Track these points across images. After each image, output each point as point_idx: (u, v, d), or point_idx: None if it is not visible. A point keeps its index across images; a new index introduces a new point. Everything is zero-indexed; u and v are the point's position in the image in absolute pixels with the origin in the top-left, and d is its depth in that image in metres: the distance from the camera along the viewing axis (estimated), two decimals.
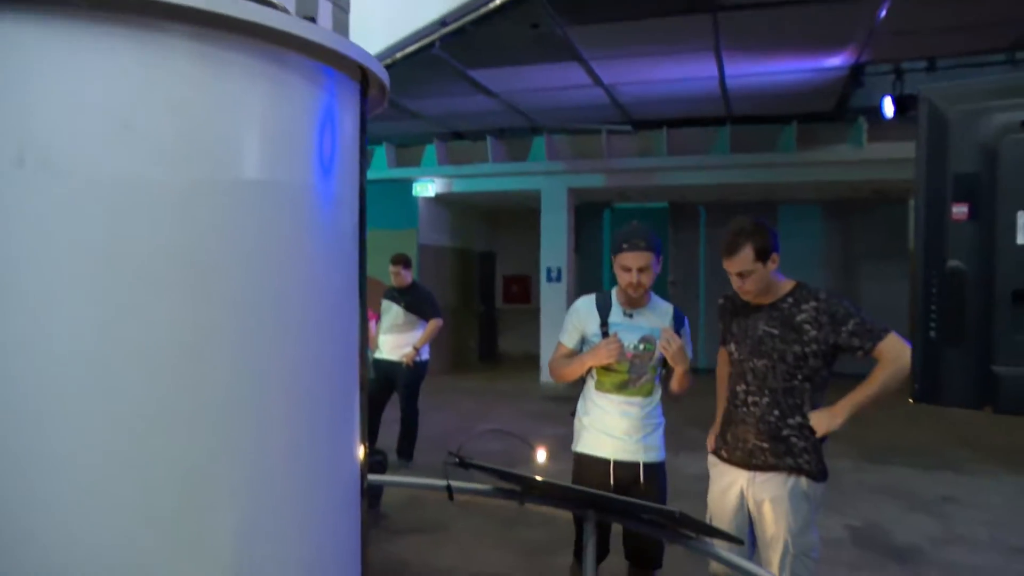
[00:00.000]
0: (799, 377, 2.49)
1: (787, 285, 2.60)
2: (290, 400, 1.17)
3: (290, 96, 1.17)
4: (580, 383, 3.00)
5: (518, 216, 13.93)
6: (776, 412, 2.52)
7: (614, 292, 2.91)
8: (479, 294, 13.85)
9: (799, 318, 2.49)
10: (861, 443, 6.80)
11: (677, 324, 2.90)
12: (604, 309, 2.88)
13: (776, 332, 2.52)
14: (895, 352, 2.40)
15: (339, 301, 1.26)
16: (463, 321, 12.96)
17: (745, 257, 2.51)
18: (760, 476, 2.57)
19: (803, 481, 2.51)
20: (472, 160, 11.02)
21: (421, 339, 5.95)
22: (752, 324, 2.60)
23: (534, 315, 12.37)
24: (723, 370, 2.86)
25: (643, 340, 2.83)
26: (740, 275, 2.54)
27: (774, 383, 2.53)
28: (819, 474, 2.53)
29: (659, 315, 2.89)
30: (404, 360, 5.89)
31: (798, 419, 2.50)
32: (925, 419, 8.29)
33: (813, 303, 2.49)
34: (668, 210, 12.68)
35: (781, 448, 2.52)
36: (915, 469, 6.21)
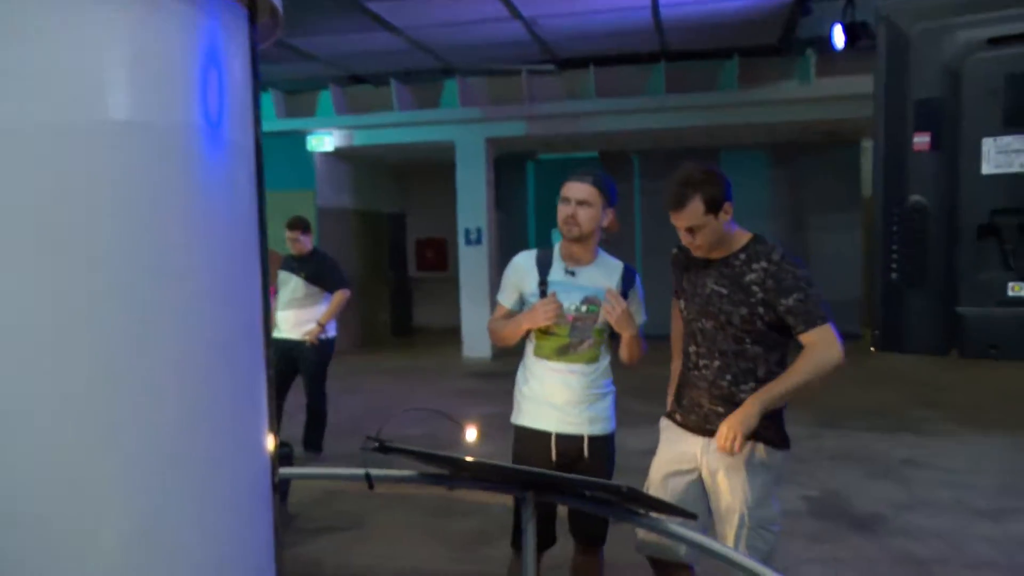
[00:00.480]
0: (748, 341, 2.56)
1: (742, 238, 2.64)
2: (182, 382, 1.14)
3: (165, 22, 1.13)
4: (517, 348, 3.06)
5: (430, 172, 13.83)
6: (728, 376, 2.59)
7: (557, 247, 2.94)
8: (389, 261, 13.83)
9: (748, 278, 2.54)
10: (817, 407, 7.09)
11: (627, 283, 2.94)
12: (544, 265, 2.90)
13: (725, 292, 2.57)
14: (824, 346, 2.45)
15: (237, 264, 1.23)
16: (372, 292, 12.91)
17: (694, 210, 2.53)
18: (714, 443, 2.61)
19: (761, 449, 2.57)
20: (375, 108, 10.87)
21: (326, 314, 5.88)
22: (701, 281, 2.65)
23: (452, 283, 12.37)
24: (677, 325, 2.91)
25: (586, 301, 2.86)
26: (690, 230, 2.57)
27: (724, 345, 2.59)
28: (779, 441, 2.60)
29: (606, 273, 2.92)
30: (307, 339, 5.82)
31: (752, 384, 2.56)
32: (884, 380, 8.71)
33: (764, 263, 2.53)
34: (598, 160, 12.81)
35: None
36: (874, 432, 6.53)
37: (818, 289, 2.50)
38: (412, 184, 14.57)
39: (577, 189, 2.80)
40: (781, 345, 2.59)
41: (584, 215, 2.80)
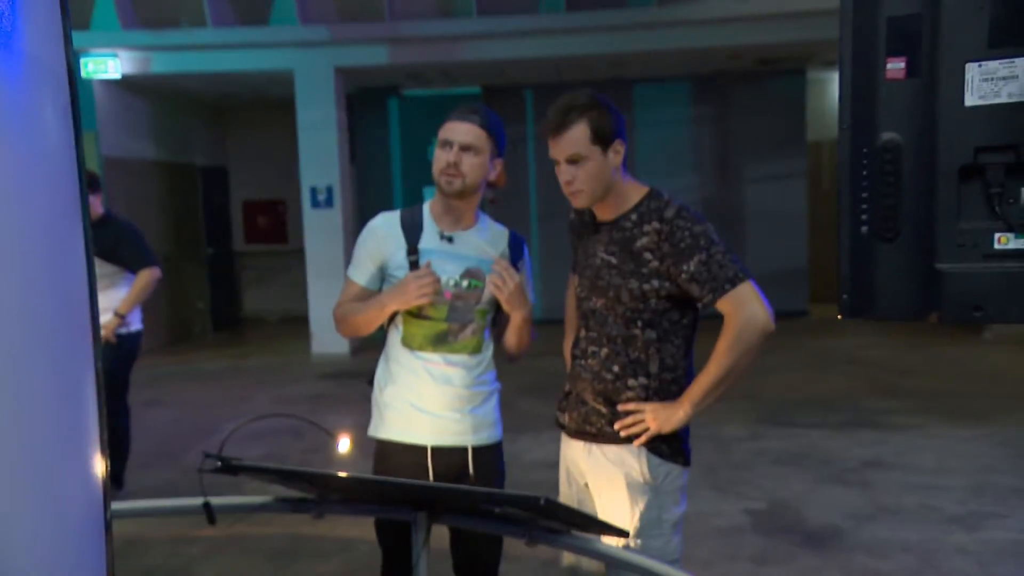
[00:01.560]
0: (639, 323, 2.64)
1: (636, 194, 2.71)
2: None
3: None
4: (381, 341, 3.05)
5: (261, 111, 13.63)
6: (615, 368, 2.68)
7: (427, 207, 2.97)
8: (206, 231, 13.61)
9: (640, 243, 2.62)
10: (755, 401, 7.40)
11: (515, 254, 3.00)
12: (413, 229, 2.91)
13: (614, 261, 2.66)
14: (743, 313, 2.53)
15: (50, 227, 1.20)
16: (185, 274, 12.71)
17: (577, 136, 2.61)
18: (595, 450, 2.73)
19: (643, 461, 2.65)
20: (180, 22, 10.59)
21: (127, 300, 5.71)
22: (592, 249, 2.75)
23: (295, 257, 12.24)
24: (571, 304, 2.99)
25: (467, 274, 2.90)
26: (571, 161, 2.63)
27: (613, 329, 2.68)
28: (671, 453, 2.67)
29: (490, 240, 2.96)
30: (103, 334, 5.66)
31: (642, 379, 2.65)
32: (834, 364, 9.16)
33: (656, 223, 2.60)
34: (481, 97, 12.88)
35: (620, 415, 2.67)
36: (825, 429, 6.87)
37: (725, 246, 2.58)
38: (236, 129, 14.34)
39: (462, 131, 2.83)
40: (683, 332, 2.68)
41: (469, 164, 2.83)
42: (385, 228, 2.93)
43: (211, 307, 13.57)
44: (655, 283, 2.58)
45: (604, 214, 2.72)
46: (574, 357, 2.82)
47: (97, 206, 5.80)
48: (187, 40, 10.60)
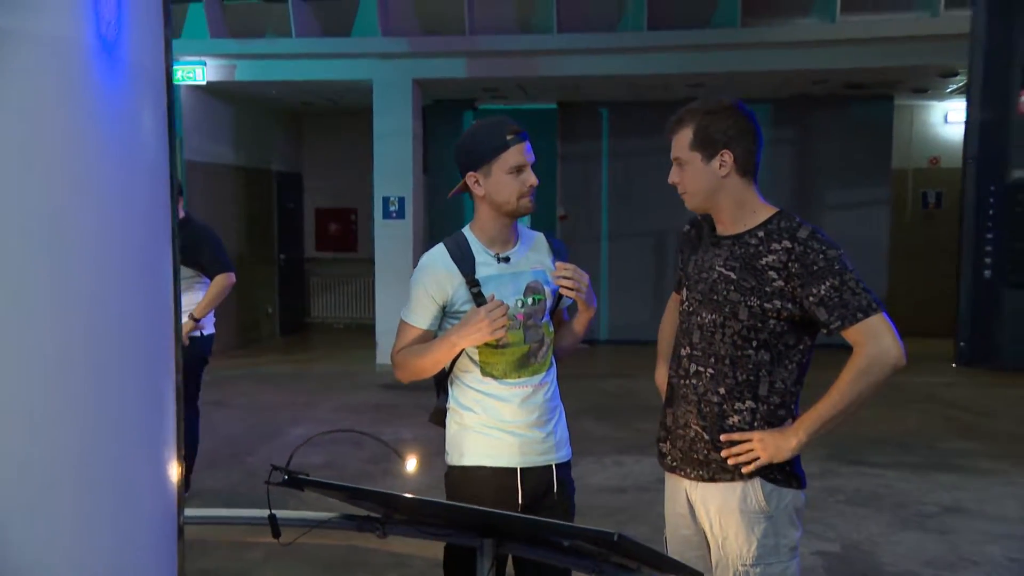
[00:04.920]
0: (754, 343, 2.58)
1: (764, 212, 2.67)
2: (66, 385, 1.11)
3: None
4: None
5: (338, 120, 13.76)
6: (721, 390, 2.62)
7: (469, 233, 2.97)
8: (279, 236, 13.79)
9: (765, 260, 2.56)
10: (830, 437, 7.19)
11: (558, 251, 3.04)
12: (466, 260, 2.90)
13: (734, 276, 2.60)
14: (874, 345, 2.47)
15: (141, 230, 1.19)
16: (256, 277, 12.83)
17: (680, 140, 2.65)
18: (700, 487, 2.68)
19: (757, 488, 2.60)
20: (266, 32, 10.79)
21: (203, 304, 5.77)
22: (708, 262, 2.69)
23: (363, 267, 12.29)
24: (670, 321, 2.97)
25: (529, 290, 2.91)
26: (677, 162, 2.67)
27: (721, 348, 2.62)
28: (786, 477, 2.62)
29: (535, 248, 3.01)
30: None
31: (749, 403, 2.59)
32: (911, 401, 8.91)
33: (787, 243, 2.55)
34: (557, 113, 12.87)
35: (727, 443, 2.61)
36: (904, 470, 6.69)
37: (859, 274, 2.52)
38: (313, 136, 14.48)
39: (527, 151, 2.86)
40: (798, 357, 2.62)
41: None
42: (440, 265, 2.91)
43: (279, 311, 13.75)
44: (777, 303, 2.53)
45: (726, 228, 2.68)
46: (676, 377, 2.76)
47: (178, 210, 5.88)
48: (271, 49, 10.80)
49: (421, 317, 2.91)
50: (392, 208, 11.09)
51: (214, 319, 6.03)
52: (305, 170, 14.58)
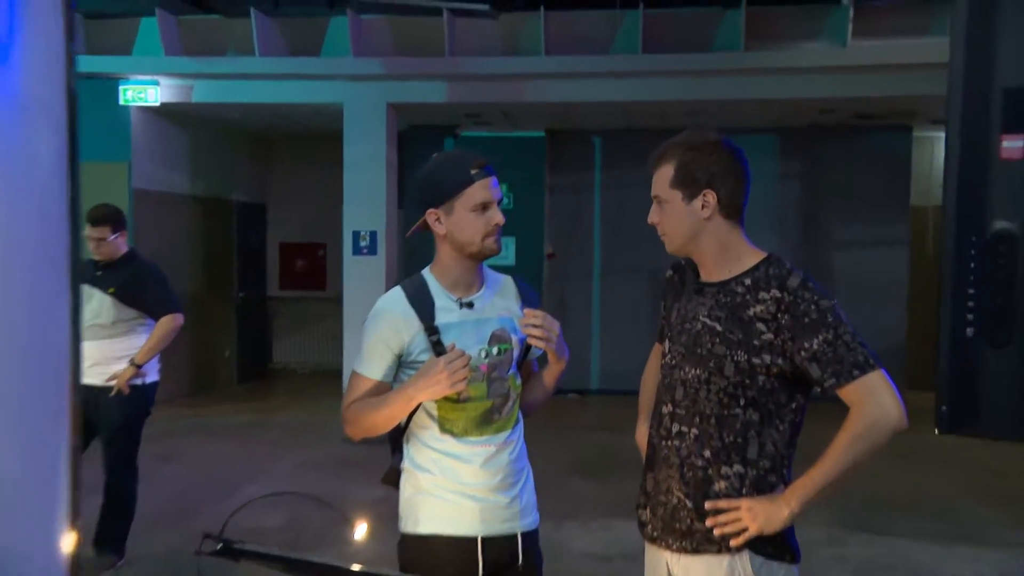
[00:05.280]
0: (741, 401, 2.57)
1: (751, 257, 2.68)
2: None
3: None
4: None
5: (306, 147, 13.80)
6: (706, 453, 2.60)
7: (429, 276, 2.97)
8: (239, 273, 13.72)
9: (752, 311, 2.56)
10: (838, 500, 7.13)
11: (528, 297, 3.05)
12: (425, 304, 2.89)
13: (719, 327, 2.60)
14: (873, 405, 2.44)
15: (33, 274, 1.17)
16: (213, 318, 12.80)
17: (661, 176, 2.68)
18: (685, 553, 2.65)
19: (746, 562, 2.57)
20: (226, 49, 10.79)
21: (146, 349, 5.73)
22: (692, 311, 2.70)
23: (332, 307, 12.25)
24: (651, 373, 2.97)
25: (495, 339, 2.92)
26: (656, 200, 2.70)
27: (706, 406, 2.61)
28: (775, 551, 2.59)
29: (502, 293, 3.02)
30: (115, 385, 5.67)
31: (737, 467, 2.57)
32: (927, 459, 8.85)
33: (776, 292, 2.54)
34: (545, 141, 12.96)
35: (712, 510, 2.58)
36: (917, 538, 6.63)
37: (853, 327, 2.51)
38: (279, 164, 14.53)
39: (493, 187, 2.88)
40: (790, 416, 2.60)
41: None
42: (396, 310, 2.90)
43: (238, 356, 13.65)
44: (766, 358, 2.52)
45: (711, 274, 2.69)
46: (658, 438, 2.74)
47: (121, 245, 5.86)
48: (232, 69, 10.78)
49: (375, 367, 2.90)
50: (363, 243, 11.01)
51: (159, 365, 5.98)
52: (269, 201, 14.61)
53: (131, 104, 10.96)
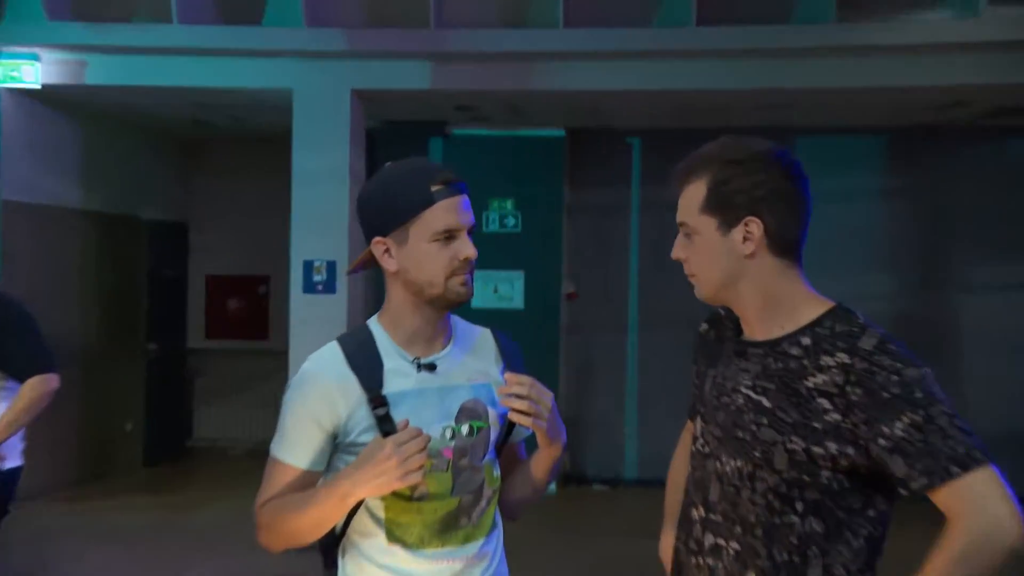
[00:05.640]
0: (799, 506, 2.56)
1: (811, 309, 2.67)
2: None
3: None
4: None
5: (241, 149, 13.92)
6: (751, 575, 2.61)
7: (377, 328, 3.00)
8: (151, 317, 13.67)
9: (811, 382, 2.54)
10: None
11: (511, 359, 3.08)
12: (370, 366, 2.90)
13: (767, 403, 2.59)
14: (978, 515, 2.37)
15: None
16: (111, 378, 12.80)
17: (689, 198, 2.73)
18: None
19: None
20: (133, 15, 10.76)
21: (5, 422, 5.70)
22: (732, 380, 2.70)
23: (277, 363, 12.17)
24: (680, 463, 3.02)
25: (465, 414, 2.91)
26: (683, 229, 2.75)
27: (751, 512, 2.61)
28: None
29: (476, 352, 3.05)
30: None
31: None
32: None
33: (844, 356, 2.51)
34: (565, 144, 12.94)
35: None
36: None
37: (951, 405, 2.46)
38: (205, 172, 14.58)
39: (465, 211, 2.91)
40: (866, 528, 2.58)
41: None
42: (330, 374, 2.89)
43: (145, 430, 13.50)
44: (832, 447, 2.49)
45: (756, 330, 2.71)
46: (685, 551, 2.77)
47: None
48: (142, 40, 10.66)
49: (300, 452, 2.87)
50: (317, 278, 10.97)
51: (22, 444, 5.94)
52: (193, 220, 14.60)
53: (1, 86, 10.87)
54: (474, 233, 2.91)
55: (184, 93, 11.36)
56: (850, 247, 12.29)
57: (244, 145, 13.75)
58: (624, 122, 12.82)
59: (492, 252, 10.38)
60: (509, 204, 12.56)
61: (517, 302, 12.03)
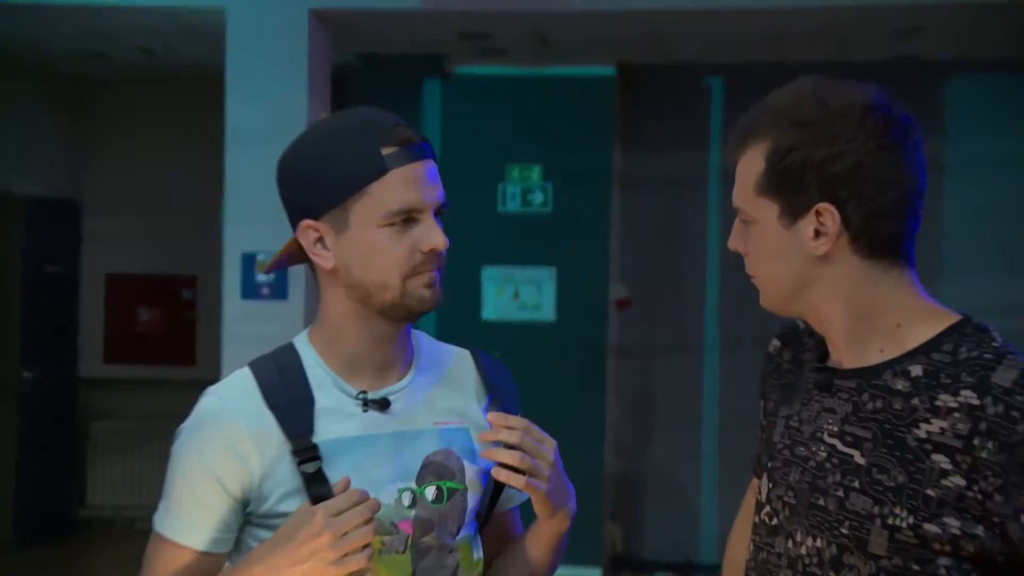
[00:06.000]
0: None
1: (926, 324, 2.63)
2: None
3: None
4: None
5: (154, 100, 14.04)
6: None
7: (308, 349, 3.02)
8: (26, 335, 13.77)
9: (925, 429, 2.51)
10: None
11: (500, 396, 3.11)
12: (293, 402, 2.89)
13: (859, 457, 2.61)
14: None
15: None
16: None
17: (743, 175, 2.71)
18: None
19: None
20: None
21: None
22: (811, 424, 2.73)
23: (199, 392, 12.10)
24: (739, 541, 3.08)
25: (431, 471, 2.96)
26: (739, 216, 2.77)
27: None
28: None
29: (456, 383, 3.13)
30: None
31: None
32: None
33: (971, 393, 2.45)
34: (615, 87, 12.87)
35: None
36: None
37: None
38: (103, 133, 14.70)
39: (433, 179, 2.92)
40: None
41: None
42: (236, 415, 2.90)
43: (18, 497, 13.59)
44: (953, 524, 2.47)
45: (844, 354, 2.71)
46: None
47: None
48: None
49: (194, 527, 2.87)
50: (262, 278, 11.01)
51: None
52: (88, 198, 14.70)
53: None
54: (443, 214, 2.93)
55: (75, 13, 11.38)
56: (1014, 229, 12.34)
57: (158, 92, 13.92)
58: (699, 56, 12.83)
59: (511, 242, 11.11)
60: (535, 173, 12.60)
61: (547, 312, 12.05)
